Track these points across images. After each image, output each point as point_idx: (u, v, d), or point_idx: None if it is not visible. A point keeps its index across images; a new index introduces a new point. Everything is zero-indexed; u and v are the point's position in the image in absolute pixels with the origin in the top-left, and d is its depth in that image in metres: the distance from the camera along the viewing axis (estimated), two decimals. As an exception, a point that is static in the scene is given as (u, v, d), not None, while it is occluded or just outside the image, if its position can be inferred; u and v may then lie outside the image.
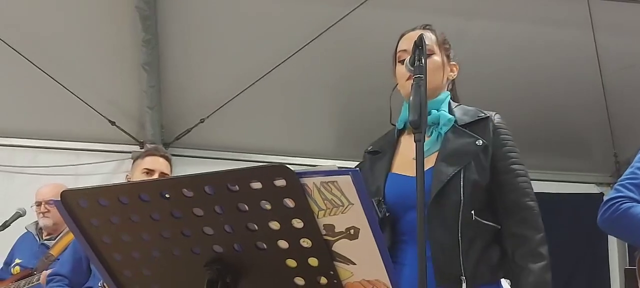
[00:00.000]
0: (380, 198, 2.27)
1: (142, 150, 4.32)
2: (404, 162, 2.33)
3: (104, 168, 5.47)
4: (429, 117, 2.25)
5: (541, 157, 5.85)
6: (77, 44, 4.90)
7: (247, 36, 4.84)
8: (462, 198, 2.18)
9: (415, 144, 1.78)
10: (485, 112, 2.38)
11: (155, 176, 3.21)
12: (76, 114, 5.21)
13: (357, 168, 1.17)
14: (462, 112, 2.37)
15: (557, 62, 4.98)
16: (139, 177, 3.23)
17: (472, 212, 2.19)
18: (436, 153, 2.28)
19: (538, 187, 5.77)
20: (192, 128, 5.39)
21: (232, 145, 5.65)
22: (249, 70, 4.95)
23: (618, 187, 2.41)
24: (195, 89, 5.23)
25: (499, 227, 2.26)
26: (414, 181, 1.76)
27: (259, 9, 4.71)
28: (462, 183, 2.19)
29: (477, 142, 2.26)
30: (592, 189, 6.06)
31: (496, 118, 2.35)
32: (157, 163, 3.30)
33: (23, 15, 4.73)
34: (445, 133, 2.31)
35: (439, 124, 2.32)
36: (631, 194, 2.35)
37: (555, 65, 5.00)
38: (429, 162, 2.21)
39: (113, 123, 5.28)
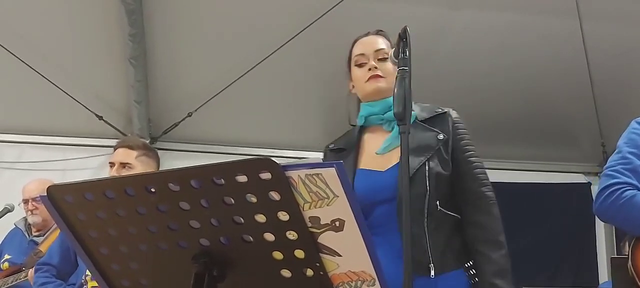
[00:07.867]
0: None
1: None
2: (370, 157, 2.39)
3: (91, 163, 5.46)
4: (389, 113, 2.35)
5: (529, 147, 5.89)
6: (63, 38, 4.87)
7: (234, 29, 4.82)
8: (428, 189, 2.24)
9: (400, 135, 1.84)
10: (442, 108, 2.45)
11: (115, 168, 3.24)
12: (63, 109, 5.20)
13: (341, 161, 1.17)
14: (420, 109, 2.44)
15: (543, 52, 4.99)
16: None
17: (437, 202, 2.26)
18: (399, 148, 2.30)
19: (526, 177, 5.94)
20: (179, 122, 5.38)
21: (220, 139, 5.65)
22: (236, 63, 4.93)
23: (611, 172, 2.29)
24: (183, 83, 5.21)
25: (459, 216, 2.34)
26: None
27: (245, 1, 4.70)
28: (427, 175, 2.25)
29: (438, 136, 2.34)
30: (580, 179, 6.10)
31: (454, 113, 2.44)
32: (115, 156, 3.31)
33: (8, 11, 4.69)
34: None
35: None
36: (629, 180, 2.25)
37: (542, 55, 5.01)
38: (394, 158, 2.28)
39: (100, 118, 5.26)
